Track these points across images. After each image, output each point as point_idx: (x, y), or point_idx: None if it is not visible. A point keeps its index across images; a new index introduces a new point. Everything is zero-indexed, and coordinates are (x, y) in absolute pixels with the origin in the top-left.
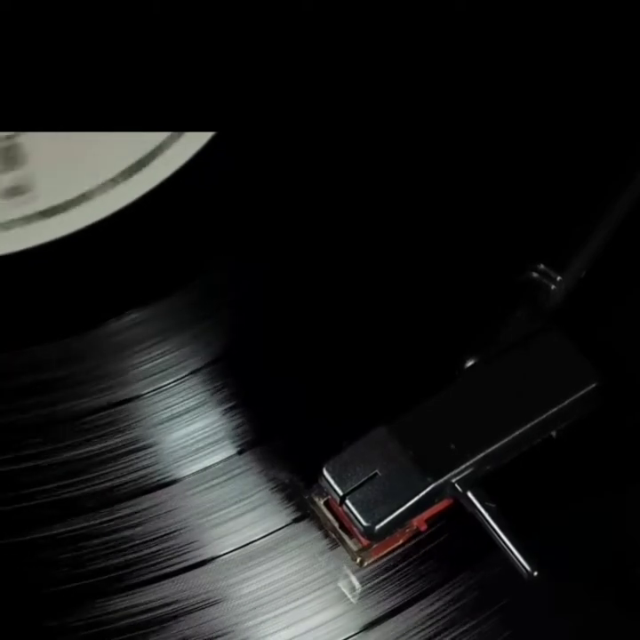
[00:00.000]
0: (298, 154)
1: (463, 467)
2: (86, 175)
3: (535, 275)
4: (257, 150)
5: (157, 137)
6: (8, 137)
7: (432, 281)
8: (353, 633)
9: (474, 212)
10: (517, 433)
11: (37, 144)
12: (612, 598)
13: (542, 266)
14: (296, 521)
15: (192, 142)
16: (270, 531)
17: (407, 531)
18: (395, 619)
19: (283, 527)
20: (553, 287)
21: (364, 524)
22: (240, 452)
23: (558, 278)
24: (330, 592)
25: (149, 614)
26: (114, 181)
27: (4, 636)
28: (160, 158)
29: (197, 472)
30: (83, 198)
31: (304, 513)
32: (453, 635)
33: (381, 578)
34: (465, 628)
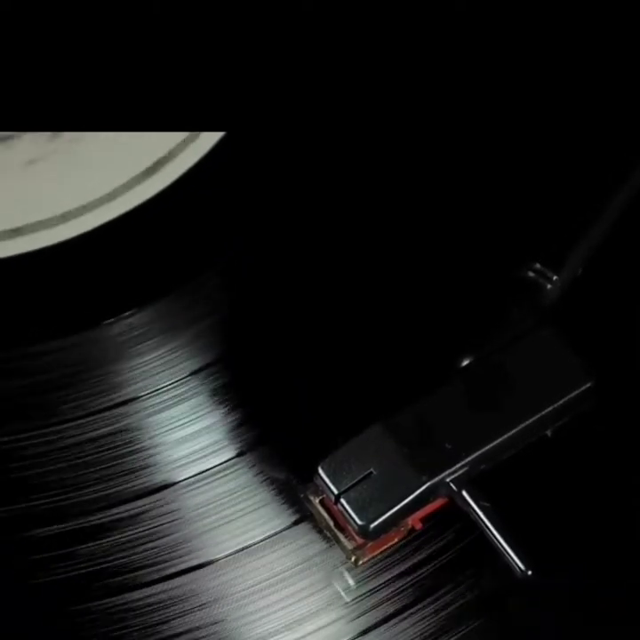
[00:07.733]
0: (297, 154)
1: (458, 465)
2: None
3: (531, 274)
4: (255, 151)
5: (159, 148)
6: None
7: (428, 280)
8: (352, 635)
9: (470, 212)
10: (512, 432)
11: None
12: (609, 597)
13: (538, 265)
14: (295, 523)
15: (193, 151)
16: (269, 533)
17: (402, 529)
18: (393, 622)
19: (282, 530)
20: (549, 286)
21: (359, 522)
22: (239, 454)
23: (554, 277)
24: (328, 594)
25: (148, 616)
26: (119, 190)
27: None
28: (163, 166)
29: (196, 474)
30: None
31: (303, 515)
32: (451, 635)
33: (380, 580)
34: (464, 629)
